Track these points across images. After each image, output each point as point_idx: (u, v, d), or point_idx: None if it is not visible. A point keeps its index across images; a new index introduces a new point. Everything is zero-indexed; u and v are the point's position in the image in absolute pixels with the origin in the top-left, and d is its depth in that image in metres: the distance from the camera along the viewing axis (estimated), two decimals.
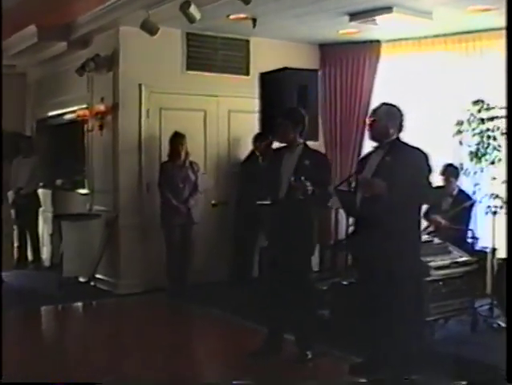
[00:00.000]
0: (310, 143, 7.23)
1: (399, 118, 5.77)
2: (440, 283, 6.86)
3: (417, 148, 5.66)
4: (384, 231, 5.40)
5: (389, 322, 5.56)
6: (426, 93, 9.96)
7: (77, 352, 7.22)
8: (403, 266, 5.47)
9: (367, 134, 6.21)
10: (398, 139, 5.77)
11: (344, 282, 7.34)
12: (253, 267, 9.63)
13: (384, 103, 5.98)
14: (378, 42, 10.36)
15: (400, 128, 5.77)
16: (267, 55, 9.98)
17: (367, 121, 5.90)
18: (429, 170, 5.58)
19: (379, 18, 8.81)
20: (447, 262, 6.93)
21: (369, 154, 5.98)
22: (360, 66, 10.54)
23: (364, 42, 10.40)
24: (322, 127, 10.50)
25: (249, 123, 9.10)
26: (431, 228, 8.56)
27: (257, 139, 9.61)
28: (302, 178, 5.92)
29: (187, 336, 7.64)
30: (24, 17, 10.17)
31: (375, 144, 5.86)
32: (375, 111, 5.96)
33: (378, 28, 9.42)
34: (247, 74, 10.21)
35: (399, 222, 5.41)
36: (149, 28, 8.30)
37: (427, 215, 8.70)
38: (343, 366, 6.15)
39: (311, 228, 6.39)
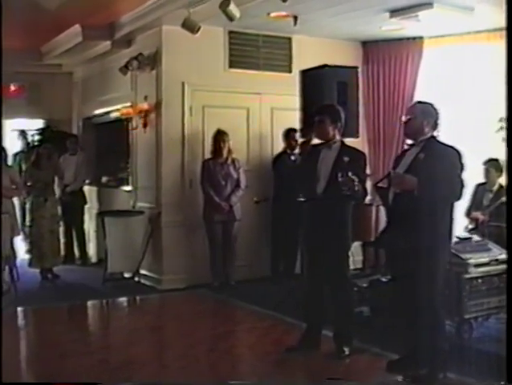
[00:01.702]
0: (350, 140, 7.27)
1: (434, 116, 5.76)
2: (480, 281, 6.83)
3: (451, 146, 5.63)
4: (414, 227, 5.41)
5: (425, 319, 5.55)
6: (469, 89, 9.88)
7: (120, 347, 7.32)
8: (432, 262, 5.46)
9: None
10: (433, 137, 5.75)
11: (383, 279, 7.36)
12: (295, 263, 9.66)
13: (419, 102, 6.02)
14: (421, 38, 10.33)
15: (435, 126, 5.76)
16: (310, 53, 9.98)
17: (403, 119, 5.88)
18: (462, 168, 5.55)
19: (420, 14, 8.79)
20: (486, 260, 6.89)
21: (405, 151, 5.99)
22: (403, 63, 10.52)
23: (407, 38, 10.38)
24: (365, 124, 10.63)
25: (292, 121, 9.08)
26: (471, 226, 8.55)
27: (287, 135, 9.71)
28: (350, 174, 5.83)
29: (228, 331, 7.67)
30: (69, 17, 10.30)
31: (410, 142, 5.86)
32: (410, 109, 5.99)
33: (420, 24, 9.38)
34: (290, 71, 10.22)
35: (429, 218, 5.39)
36: (190, 26, 8.37)
37: (468, 212, 8.71)
38: (380, 363, 6.13)
39: (347, 225, 6.40)
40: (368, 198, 7.96)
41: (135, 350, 6.99)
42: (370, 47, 10.84)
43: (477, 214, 8.51)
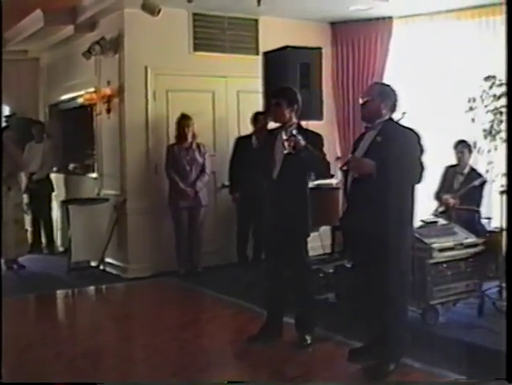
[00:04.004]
0: (314, 122, 7.11)
1: (392, 98, 5.58)
2: (444, 265, 6.68)
3: (409, 128, 5.46)
4: (371, 211, 5.27)
5: (383, 308, 5.40)
6: (439, 69, 9.73)
7: (85, 338, 7.10)
8: (391, 249, 5.28)
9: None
10: (391, 119, 5.57)
11: (348, 265, 7.19)
12: (262, 248, 9.50)
13: (377, 83, 5.85)
14: (390, 18, 10.17)
15: (393, 108, 5.58)
16: (277, 35, 9.71)
17: (360, 101, 5.70)
18: (421, 150, 5.37)
19: None
20: (451, 244, 6.75)
21: (362, 134, 5.80)
22: (372, 44, 10.36)
23: (376, 18, 10.22)
24: (334, 106, 10.48)
25: (259, 104, 8.90)
26: (441, 209, 8.41)
27: (255, 119, 9.44)
28: (294, 132, 5.82)
29: (191, 320, 7.47)
30: (32, 1, 10.06)
31: (367, 125, 5.66)
32: (368, 90, 5.81)
33: (390, 4, 9.22)
34: (256, 54, 9.90)
35: (388, 202, 5.23)
36: (150, 8, 8.18)
37: (438, 195, 8.57)
38: (343, 351, 5.94)
39: (305, 209, 6.22)
40: (335, 181, 7.84)
41: (96, 342, 6.83)
42: (338, 28, 10.65)
43: (448, 198, 8.35)
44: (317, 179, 6.82)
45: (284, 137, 5.83)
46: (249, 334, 6.53)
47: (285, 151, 5.92)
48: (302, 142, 5.77)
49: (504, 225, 7.29)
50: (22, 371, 5.86)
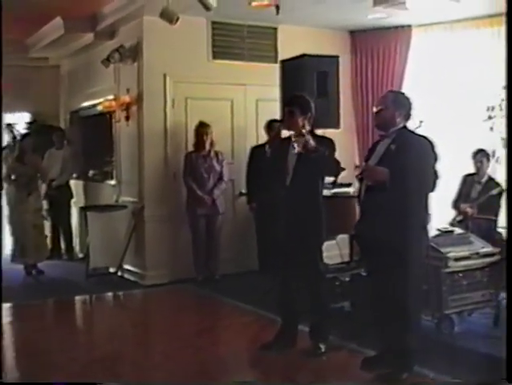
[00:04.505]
0: (331, 131, 7.10)
1: (407, 106, 5.58)
2: (460, 275, 6.65)
3: (423, 136, 5.46)
4: (384, 220, 5.27)
5: (395, 317, 5.38)
6: (457, 78, 9.71)
7: (102, 343, 7.14)
8: (403, 258, 5.27)
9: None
10: (405, 127, 5.56)
11: (363, 273, 7.17)
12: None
13: (391, 91, 5.85)
14: (409, 26, 10.15)
15: (407, 117, 5.57)
16: (296, 43, 9.70)
17: (374, 110, 5.69)
18: (435, 158, 5.36)
19: (408, 2, 8.59)
20: (466, 253, 6.71)
21: (377, 142, 5.79)
22: (391, 52, 10.35)
23: (395, 27, 10.20)
24: (353, 115, 10.47)
25: (277, 112, 8.91)
26: (459, 218, 8.38)
27: (269, 126, 9.39)
28: (304, 131, 5.87)
29: (206, 328, 7.45)
30: (53, 8, 10.12)
31: (381, 133, 5.65)
32: (382, 99, 5.79)
33: (408, 13, 9.19)
34: (275, 62, 9.86)
35: (401, 211, 5.24)
36: (169, 16, 8.16)
37: (455, 204, 8.54)
38: (357, 360, 5.92)
39: (318, 217, 6.19)
40: (352, 190, 7.82)
41: (113, 347, 6.86)
42: (358, 37, 10.67)
43: (466, 207, 8.32)
44: (327, 176, 6.72)
45: (293, 138, 5.85)
46: (263, 342, 6.51)
47: (294, 152, 5.99)
48: (312, 142, 5.80)
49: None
50: (36, 375, 5.89)
